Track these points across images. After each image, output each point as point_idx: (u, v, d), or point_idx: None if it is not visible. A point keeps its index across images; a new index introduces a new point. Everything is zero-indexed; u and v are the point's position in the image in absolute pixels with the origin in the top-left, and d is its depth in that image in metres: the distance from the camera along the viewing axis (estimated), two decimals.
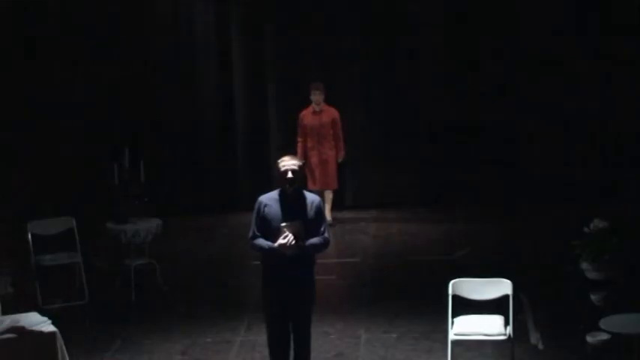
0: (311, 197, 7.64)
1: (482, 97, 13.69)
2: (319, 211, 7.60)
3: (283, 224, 7.38)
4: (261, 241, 7.49)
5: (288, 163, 7.50)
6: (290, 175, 7.47)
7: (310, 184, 12.68)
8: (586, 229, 9.25)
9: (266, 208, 7.52)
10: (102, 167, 11.38)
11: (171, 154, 13.90)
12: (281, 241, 7.36)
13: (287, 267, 7.45)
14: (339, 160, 13.10)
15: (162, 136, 13.84)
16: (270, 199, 7.57)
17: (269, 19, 14.05)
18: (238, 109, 14.21)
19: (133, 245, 10.60)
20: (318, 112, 12.91)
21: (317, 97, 12.88)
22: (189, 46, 14.12)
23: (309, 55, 13.97)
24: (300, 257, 7.45)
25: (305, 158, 12.50)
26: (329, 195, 12.98)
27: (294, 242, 7.36)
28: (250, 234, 7.59)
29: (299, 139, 12.93)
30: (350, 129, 13.52)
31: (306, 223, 7.45)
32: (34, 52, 12.80)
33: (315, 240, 7.48)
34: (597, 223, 9.19)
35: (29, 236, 10.37)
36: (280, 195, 7.55)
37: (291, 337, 7.63)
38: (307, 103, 13.00)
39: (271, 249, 7.43)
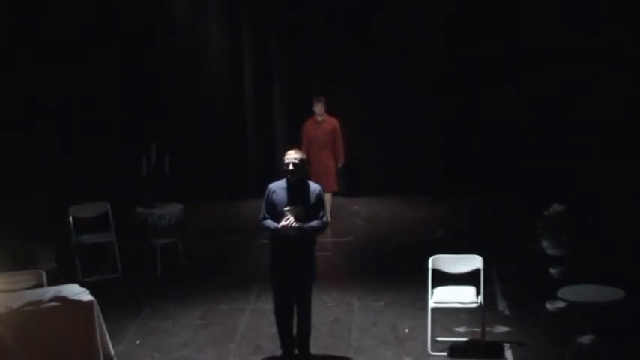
0: (313, 186, 7.64)
1: (481, 96, 13.06)
2: (319, 198, 7.61)
3: (286, 208, 7.43)
4: (269, 222, 7.53)
5: (290, 157, 7.54)
6: (291, 167, 7.51)
7: None
8: (546, 213, 9.04)
9: (274, 194, 7.58)
10: (133, 160, 11.24)
11: (193, 149, 13.69)
12: (283, 222, 7.40)
13: (290, 246, 7.47)
14: (339, 165, 12.42)
15: (184, 134, 13.63)
16: (277, 186, 7.62)
17: (274, 21, 13.71)
18: (248, 110, 14.03)
19: (159, 227, 10.65)
20: (320, 123, 12.22)
21: (319, 108, 12.23)
22: (203, 53, 13.85)
23: (310, 55, 13.63)
24: (301, 237, 7.47)
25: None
26: (328, 197, 12.10)
27: (295, 224, 7.39)
28: (260, 216, 7.62)
29: (302, 147, 11.84)
30: (350, 127, 13.02)
31: (307, 208, 7.48)
32: (33, 52, 11.83)
33: (314, 223, 7.49)
34: (556, 207, 8.99)
35: (70, 219, 10.38)
36: (287, 183, 7.59)
37: (294, 306, 7.69)
38: (310, 100, 12.44)
39: (276, 229, 7.46)
